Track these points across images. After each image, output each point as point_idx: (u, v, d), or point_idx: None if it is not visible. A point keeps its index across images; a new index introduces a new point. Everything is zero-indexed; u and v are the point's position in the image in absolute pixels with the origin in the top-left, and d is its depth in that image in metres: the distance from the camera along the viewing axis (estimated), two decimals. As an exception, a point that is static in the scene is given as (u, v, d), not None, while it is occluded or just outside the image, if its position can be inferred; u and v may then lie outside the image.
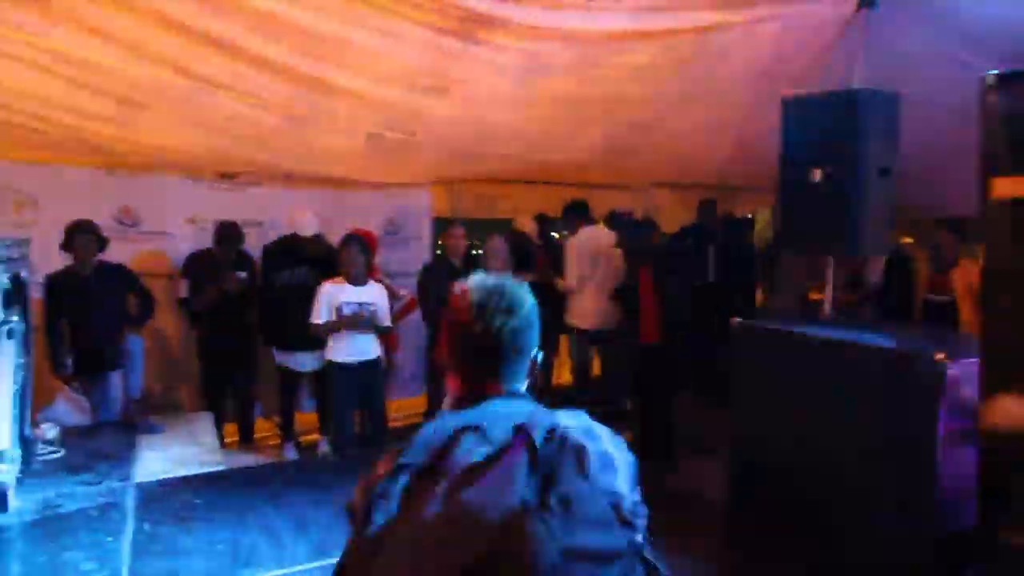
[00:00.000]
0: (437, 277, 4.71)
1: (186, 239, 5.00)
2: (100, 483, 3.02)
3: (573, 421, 1.02)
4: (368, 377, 4.20)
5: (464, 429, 1.00)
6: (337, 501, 2.80)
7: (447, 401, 1.18)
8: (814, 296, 4.90)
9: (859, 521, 2.28)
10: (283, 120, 4.08)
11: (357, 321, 4.08)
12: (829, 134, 3.18)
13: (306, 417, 5.27)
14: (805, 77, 4.60)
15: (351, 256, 4.11)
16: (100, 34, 3.23)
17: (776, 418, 2.50)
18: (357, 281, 4.17)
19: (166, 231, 4.98)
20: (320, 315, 4.11)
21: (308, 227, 4.67)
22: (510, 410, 1.05)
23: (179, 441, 3.70)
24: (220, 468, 3.33)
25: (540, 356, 1.19)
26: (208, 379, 4.72)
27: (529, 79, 3.99)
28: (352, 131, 4.37)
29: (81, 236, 3.96)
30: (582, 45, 3.73)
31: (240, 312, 4.61)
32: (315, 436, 5.14)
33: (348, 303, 4.09)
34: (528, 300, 1.16)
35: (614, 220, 5.61)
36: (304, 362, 4.67)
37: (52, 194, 4.59)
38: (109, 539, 2.46)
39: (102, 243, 4.10)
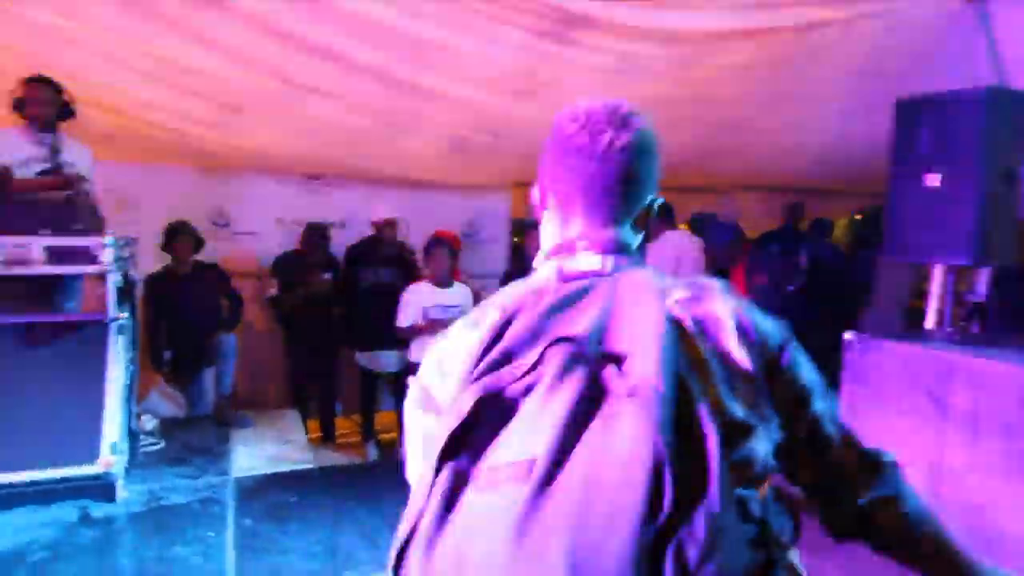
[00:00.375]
0: (517, 278, 4.67)
1: (273, 239, 5.14)
2: (199, 477, 3.10)
3: (685, 309, 0.81)
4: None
5: (558, 342, 0.75)
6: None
7: (539, 258, 0.96)
8: (915, 306, 4.65)
9: (1001, 552, 2.11)
10: (373, 123, 4.13)
11: (443, 327, 4.07)
12: (949, 135, 2.98)
13: (385, 416, 5.33)
14: (907, 75, 4.36)
15: (439, 259, 4.11)
16: (204, 41, 3.33)
17: (901, 440, 2.35)
18: (443, 283, 4.17)
19: (255, 231, 5.14)
20: (407, 318, 4.12)
21: (379, 212, 4.71)
22: (617, 301, 0.81)
23: (269, 438, 3.79)
24: (310, 466, 3.38)
25: (659, 204, 0.97)
26: (294, 377, 4.82)
27: (619, 80, 3.91)
28: (438, 134, 4.39)
29: (180, 237, 4.11)
30: (678, 45, 3.62)
31: (325, 312, 4.69)
32: (394, 435, 5.18)
33: (434, 306, 4.09)
34: (648, 122, 0.93)
35: (698, 223, 5.46)
36: (386, 362, 4.71)
37: (151, 194, 4.78)
38: (212, 534, 2.52)
39: (199, 244, 4.24)
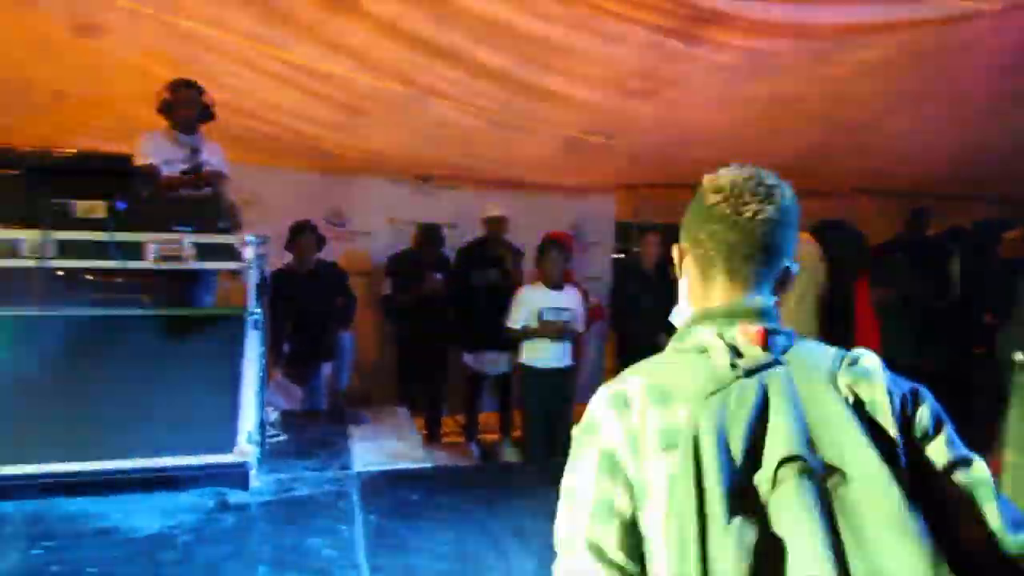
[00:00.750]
0: (629, 285, 4.58)
1: (385, 239, 5.27)
2: (323, 470, 3.18)
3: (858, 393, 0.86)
4: (561, 384, 4.15)
5: (787, 460, 0.79)
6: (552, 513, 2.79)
7: (684, 313, 1.03)
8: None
9: None
10: (488, 124, 4.15)
11: (556, 329, 4.03)
12: None
13: (486, 416, 5.34)
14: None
15: (552, 260, 4.07)
16: (335, 47, 3.43)
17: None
18: (556, 285, 4.13)
19: (368, 231, 5.27)
20: (518, 319, 4.11)
21: (490, 209, 4.72)
22: (800, 397, 0.85)
23: (384, 435, 3.84)
24: (426, 465, 3.41)
25: (795, 270, 1.02)
26: (403, 375, 4.91)
27: (743, 78, 3.76)
28: (551, 134, 4.37)
29: (304, 236, 4.25)
30: (813, 41, 3.45)
31: (437, 312, 4.75)
32: (493, 435, 5.19)
33: (547, 308, 4.06)
34: (789, 194, 0.99)
35: (821, 230, 5.18)
36: (493, 364, 4.72)
37: (271, 194, 4.97)
38: (343, 528, 2.56)
39: (320, 242, 4.37)
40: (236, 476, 2.87)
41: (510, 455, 4.84)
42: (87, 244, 2.66)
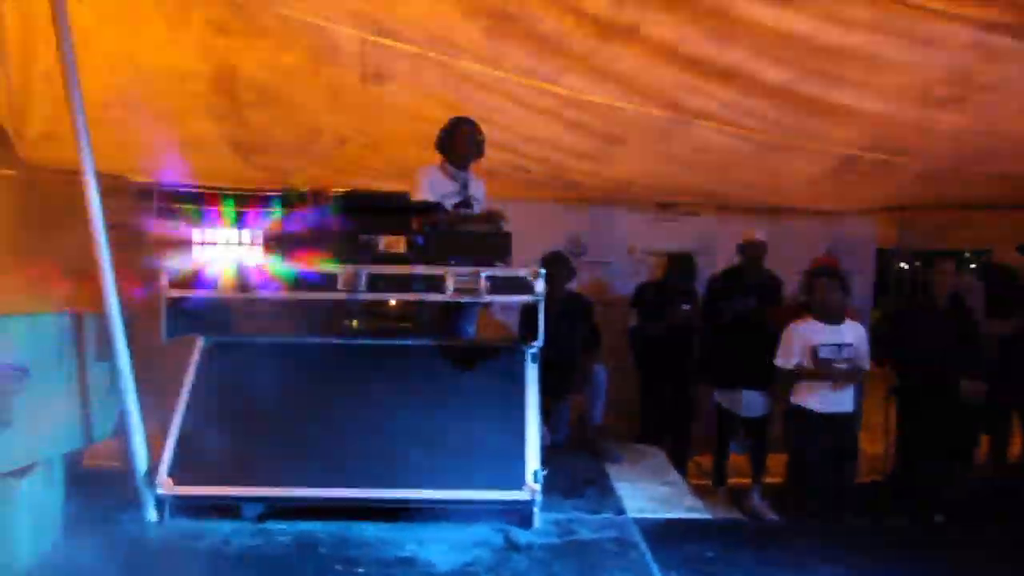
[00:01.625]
0: (917, 320, 4.02)
1: (624, 267, 5.13)
2: (598, 513, 3.05)
3: None
4: (842, 431, 3.70)
5: None
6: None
7: None
8: None
9: None
10: (753, 147, 3.87)
11: (840, 373, 3.60)
12: None
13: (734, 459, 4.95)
14: None
15: (828, 292, 3.67)
16: (603, 75, 3.36)
17: None
18: (834, 319, 3.70)
19: (606, 260, 5.17)
20: (790, 358, 3.73)
21: (749, 234, 4.45)
22: None
23: (645, 476, 3.66)
24: (705, 516, 3.16)
25: None
26: (646, 411, 4.69)
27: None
28: (824, 154, 3.97)
29: (558, 267, 4.21)
30: None
31: (685, 345, 4.50)
32: (744, 480, 4.77)
33: (825, 345, 3.65)
34: None
35: None
36: (748, 403, 4.36)
37: (514, 225, 5.02)
38: (645, 583, 2.38)
39: (571, 274, 4.32)
40: (521, 514, 2.82)
41: (761, 505, 4.42)
42: (392, 277, 2.76)
